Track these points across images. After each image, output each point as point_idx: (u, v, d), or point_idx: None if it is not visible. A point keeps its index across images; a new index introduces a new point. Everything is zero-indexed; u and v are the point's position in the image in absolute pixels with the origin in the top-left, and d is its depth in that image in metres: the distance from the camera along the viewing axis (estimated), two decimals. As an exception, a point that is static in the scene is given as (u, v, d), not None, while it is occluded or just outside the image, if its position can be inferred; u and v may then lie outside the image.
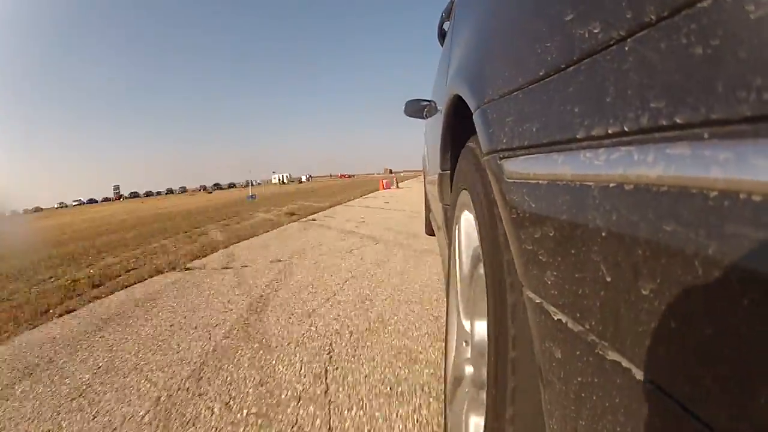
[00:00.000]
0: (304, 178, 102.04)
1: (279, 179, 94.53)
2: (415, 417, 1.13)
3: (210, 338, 1.83)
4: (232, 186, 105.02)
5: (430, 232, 3.64)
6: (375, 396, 1.25)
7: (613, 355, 0.23)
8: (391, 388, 1.28)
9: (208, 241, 4.81)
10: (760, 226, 0.14)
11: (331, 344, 1.64)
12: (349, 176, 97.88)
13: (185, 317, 2.16)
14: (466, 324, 0.80)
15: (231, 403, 1.27)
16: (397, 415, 1.14)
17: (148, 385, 1.44)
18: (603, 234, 0.24)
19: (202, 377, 1.46)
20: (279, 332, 1.81)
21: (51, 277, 3.61)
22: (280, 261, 3.34)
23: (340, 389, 1.30)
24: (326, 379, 1.37)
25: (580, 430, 0.27)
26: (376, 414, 1.16)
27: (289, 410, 1.20)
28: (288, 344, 1.68)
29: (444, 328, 1.25)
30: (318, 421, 1.13)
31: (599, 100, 0.24)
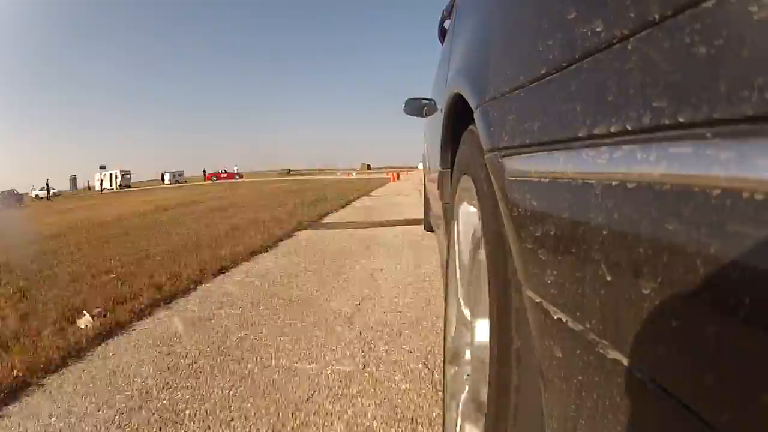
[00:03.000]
0: (167, 179, 49.76)
1: (111, 178, 47.66)
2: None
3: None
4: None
5: (429, 228, 3.65)
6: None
7: (613, 354, 0.23)
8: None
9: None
10: (762, 225, 0.14)
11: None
12: (228, 175, 47.92)
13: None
14: (466, 312, 0.81)
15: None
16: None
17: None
18: (604, 233, 0.24)
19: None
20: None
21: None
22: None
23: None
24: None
25: (580, 429, 0.27)
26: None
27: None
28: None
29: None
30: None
31: (602, 98, 0.24)
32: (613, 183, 0.23)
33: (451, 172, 1.00)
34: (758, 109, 0.14)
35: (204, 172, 48.54)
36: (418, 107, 2.08)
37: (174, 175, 50.09)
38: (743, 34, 0.15)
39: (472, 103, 0.57)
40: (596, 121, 0.25)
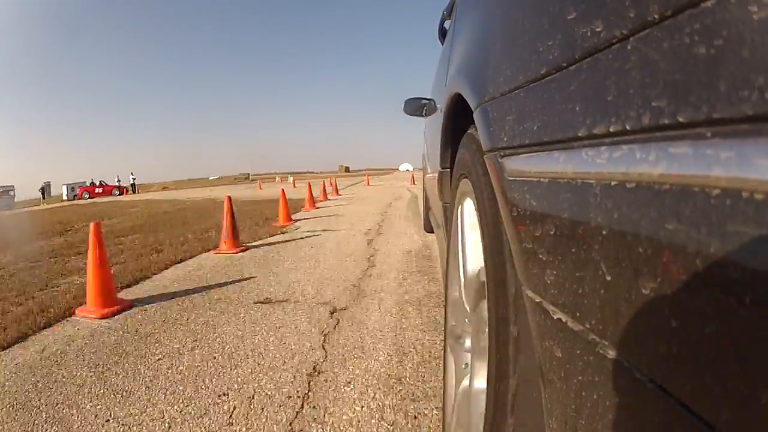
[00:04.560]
0: (65, 194, 28.92)
1: None
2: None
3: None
4: None
5: (429, 229, 3.64)
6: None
7: (613, 354, 0.23)
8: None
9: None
10: (762, 225, 0.14)
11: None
12: (105, 190, 28.56)
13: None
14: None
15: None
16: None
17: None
18: (604, 232, 0.24)
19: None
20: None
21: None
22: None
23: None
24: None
25: (581, 429, 0.27)
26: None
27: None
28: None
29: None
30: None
31: (601, 98, 0.24)
32: (613, 183, 0.23)
33: (451, 172, 1.00)
34: (758, 109, 0.14)
35: (93, 182, 31.62)
36: (417, 107, 2.08)
37: (73, 188, 32.64)
38: (743, 34, 0.15)
39: (471, 103, 0.57)
40: (596, 121, 0.25)
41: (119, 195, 27.76)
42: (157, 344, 1.67)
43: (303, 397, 1.23)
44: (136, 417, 1.19)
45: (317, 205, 7.18)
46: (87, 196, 28.46)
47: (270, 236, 4.10)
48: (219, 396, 1.27)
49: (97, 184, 30.44)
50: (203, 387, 1.32)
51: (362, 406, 1.17)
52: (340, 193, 10.68)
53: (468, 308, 0.78)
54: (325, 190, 9.24)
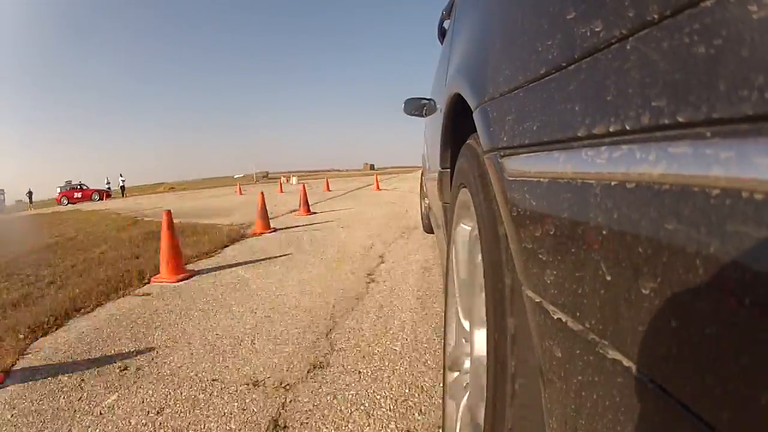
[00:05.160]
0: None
1: None
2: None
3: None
4: None
5: (429, 230, 3.63)
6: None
7: (613, 354, 0.23)
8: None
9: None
10: (762, 225, 0.14)
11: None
12: (84, 194, 24.56)
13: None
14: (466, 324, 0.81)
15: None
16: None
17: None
18: (604, 232, 0.24)
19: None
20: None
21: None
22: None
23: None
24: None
25: (581, 429, 0.27)
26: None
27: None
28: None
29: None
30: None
31: (601, 98, 0.24)
32: (613, 183, 0.23)
33: (451, 173, 1.00)
34: (758, 108, 0.14)
35: (78, 185, 27.43)
36: (417, 107, 2.08)
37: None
38: (743, 34, 0.15)
39: (471, 103, 0.57)
40: (595, 121, 0.25)
41: (99, 200, 24.77)
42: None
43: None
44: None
45: (229, 249, 3.55)
46: (66, 201, 25.33)
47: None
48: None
49: (74, 187, 26.91)
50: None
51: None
52: (312, 210, 6.22)
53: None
54: (262, 213, 4.49)
